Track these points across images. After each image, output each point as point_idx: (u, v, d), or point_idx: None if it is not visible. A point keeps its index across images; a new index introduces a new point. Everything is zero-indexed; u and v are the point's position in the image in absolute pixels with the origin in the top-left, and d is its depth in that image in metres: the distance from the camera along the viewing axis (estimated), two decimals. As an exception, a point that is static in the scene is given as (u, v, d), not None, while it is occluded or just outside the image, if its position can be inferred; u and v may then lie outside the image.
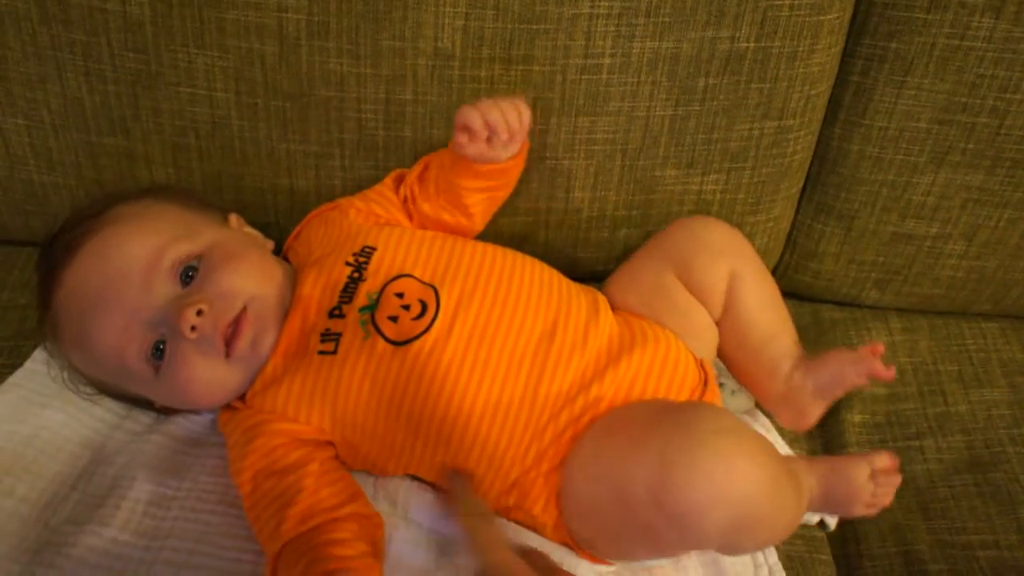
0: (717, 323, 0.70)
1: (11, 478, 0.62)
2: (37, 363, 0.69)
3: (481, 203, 0.71)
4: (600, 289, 0.71)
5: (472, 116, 0.63)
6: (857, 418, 0.78)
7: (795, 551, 0.67)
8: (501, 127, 0.63)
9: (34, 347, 0.70)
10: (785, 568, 0.65)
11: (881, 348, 0.67)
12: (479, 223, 0.73)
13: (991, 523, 0.70)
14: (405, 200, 0.71)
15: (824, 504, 0.66)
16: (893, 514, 0.71)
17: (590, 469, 0.57)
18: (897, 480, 0.65)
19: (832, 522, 0.70)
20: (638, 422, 0.57)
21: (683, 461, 0.50)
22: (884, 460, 0.65)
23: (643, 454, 0.52)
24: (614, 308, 0.69)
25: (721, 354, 0.72)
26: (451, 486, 0.59)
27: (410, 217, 0.72)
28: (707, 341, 0.70)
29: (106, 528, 0.59)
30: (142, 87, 0.70)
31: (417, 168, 0.72)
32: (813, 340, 0.83)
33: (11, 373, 0.68)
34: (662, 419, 0.55)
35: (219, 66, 0.69)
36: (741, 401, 0.74)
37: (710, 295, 0.69)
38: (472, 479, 0.60)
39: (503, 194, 0.73)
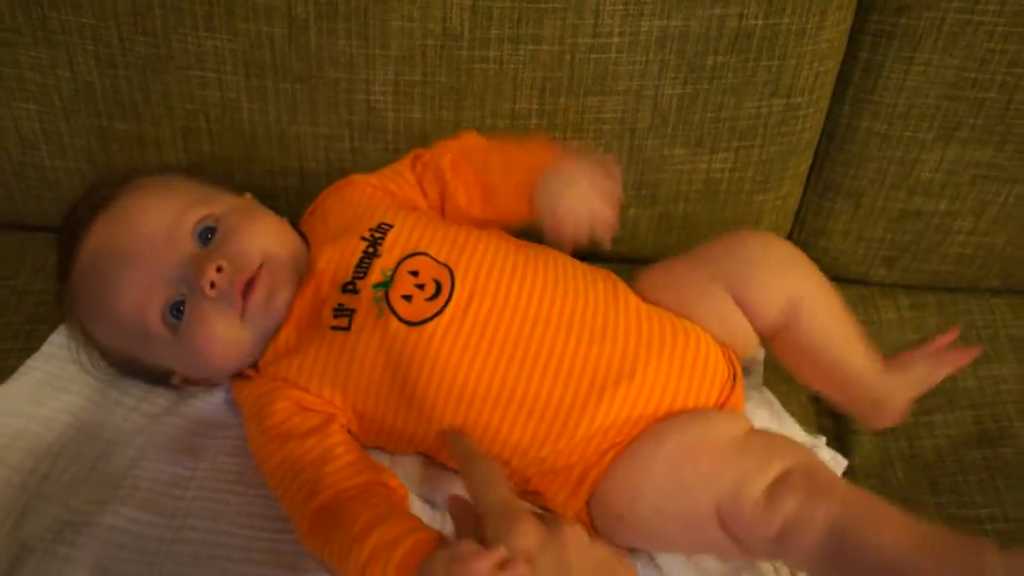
0: (767, 337, 0.69)
1: (32, 459, 0.63)
2: (54, 347, 0.70)
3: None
4: (629, 283, 0.69)
5: (568, 229, 0.63)
6: (866, 395, 0.79)
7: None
8: (584, 239, 0.64)
9: (50, 331, 0.71)
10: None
11: (954, 334, 0.68)
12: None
13: (999, 496, 0.70)
14: (421, 180, 0.71)
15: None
16: (902, 488, 0.72)
17: (659, 490, 0.59)
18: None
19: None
20: (712, 452, 0.59)
21: (747, 495, 0.55)
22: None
23: (718, 487, 0.57)
24: (647, 300, 0.67)
25: (792, 370, 0.70)
26: (450, 438, 0.59)
27: (425, 196, 0.71)
28: (741, 346, 0.69)
29: (125, 507, 0.60)
30: (152, 71, 0.71)
31: (451, 155, 0.70)
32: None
33: (28, 357, 0.69)
34: (731, 451, 0.59)
35: (228, 49, 0.70)
36: (751, 379, 0.74)
37: (760, 313, 0.66)
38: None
39: None
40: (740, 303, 0.66)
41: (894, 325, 0.84)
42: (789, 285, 0.66)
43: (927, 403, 0.77)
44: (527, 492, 0.63)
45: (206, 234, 0.63)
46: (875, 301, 0.86)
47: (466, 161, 0.69)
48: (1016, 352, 0.81)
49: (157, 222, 0.63)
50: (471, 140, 0.71)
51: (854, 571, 0.53)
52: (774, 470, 0.56)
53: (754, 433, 0.62)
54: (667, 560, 0.62)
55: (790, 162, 0.78)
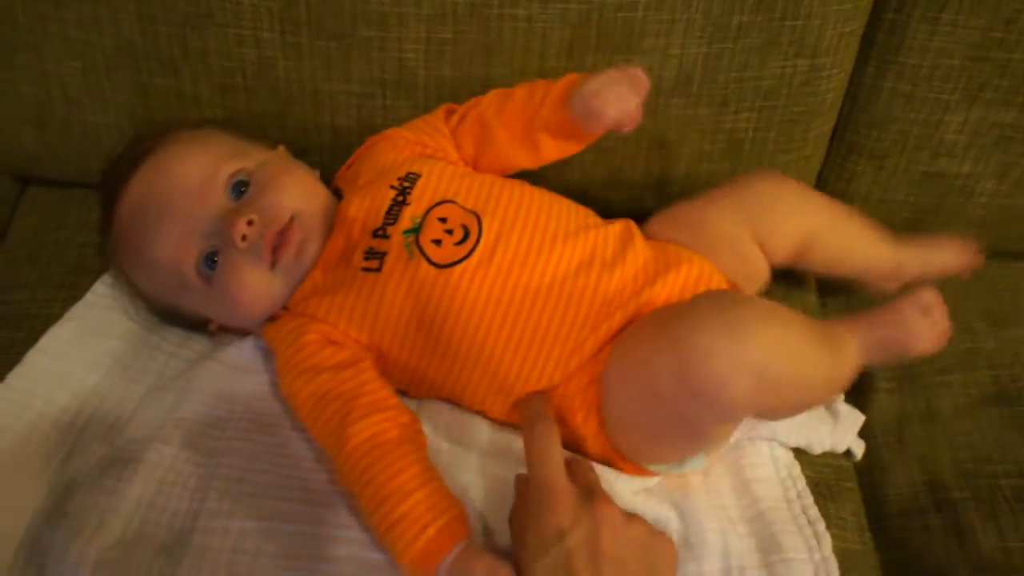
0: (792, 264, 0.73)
1: (78, 400, 0.66)
2: (97, 295, 0.73)
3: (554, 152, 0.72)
4: (641, 223, 0.72)
5: (609, 110, 0.63)
6: (885, 354, 0.80)
7: (822, 478, 0.69)
8: (628, 126, 0.64)
9: (92, 282, 0.73)
10: (813, 494, 0.67)
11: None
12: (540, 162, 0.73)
13: (1015, 453, 0.71)
14: (456, 131, 0.72)
15: (886, 351, 0.66)
16: (918, 445, 0.73)
17: (620, 373, 0.60)
18: (940, 303, 0.66)
19: (859, 452, 0.72)
20: (657, 320, 0.60)
21: (697, 339, 0.53)
22: (928, 295, 0.66)
23: (661, 344, 0.56)
24: (655, 237, 0.70)
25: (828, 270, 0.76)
26: (524, 399, 0.62)
27: (459, 148, 0.73)
28: (753, 279, 0.72)
29: (167, 446, 0.62)
30: (191, 28, 0.73)
31: (490, 99, 0.71)
32: (843, 284, 0.84)
33: (72, 305, 0.71)
34: (675, 312, 0.58)
35: (265, 7, 0.71)
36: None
37: (776, 251, 0.71)
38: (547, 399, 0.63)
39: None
40: (756, 239, 0.70)
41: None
42: (801, 221, 0.71)
43: (945, 362, 0.78)
44: None
45: (239, 187, 0.65)
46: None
47: (506, 98, 0.70)
48: (1035, 315, 0.82)
49: (192, 176, 0.65)
50: (502, 90, 0.72)
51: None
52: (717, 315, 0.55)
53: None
54: (698, 532, 0.63)
55: (813, 123, 0.79)
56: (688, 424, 0.58)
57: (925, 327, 0.65)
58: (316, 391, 0.62)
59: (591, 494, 0.54)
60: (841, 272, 0.75)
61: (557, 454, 0.56)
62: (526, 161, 0.71)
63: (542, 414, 0.59)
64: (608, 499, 0.55)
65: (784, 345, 0.55)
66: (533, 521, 0.53)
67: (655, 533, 0.54)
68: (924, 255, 0.75)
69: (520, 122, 0.69)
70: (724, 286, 0.68)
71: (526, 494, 0.56)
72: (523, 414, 0.61)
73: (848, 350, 0.62)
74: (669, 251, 0.68)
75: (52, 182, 0.85)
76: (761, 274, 0.72)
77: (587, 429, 0.63)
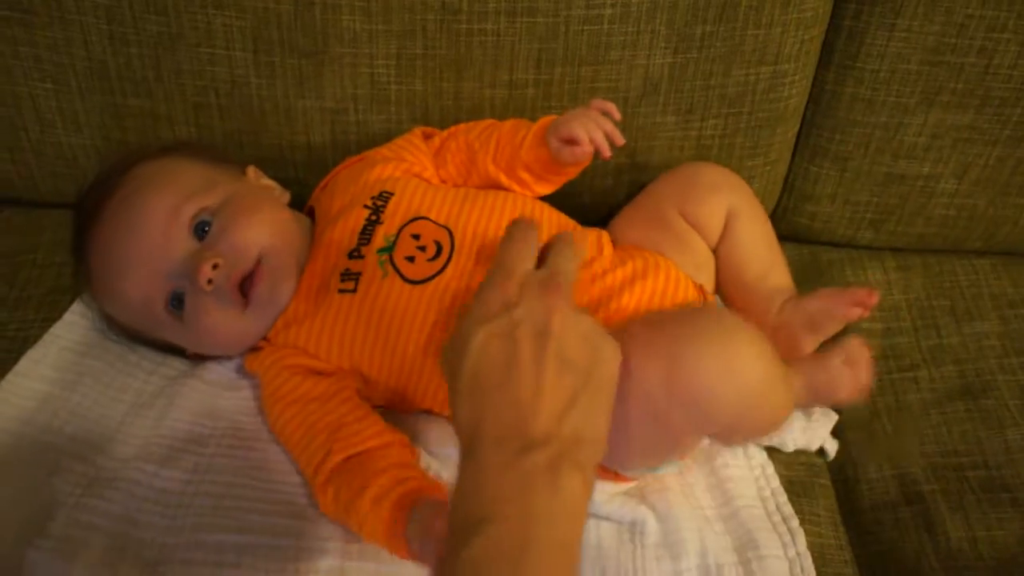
0: (714, 253, 0.74)
1: (59, 420, 0.66)
2: (75, 315, 0.73)
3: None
4: (606, 229, 0.74)
5: (579, 133, 0.65)
6: (854, 352, 0.81)
7: (796, 476, 0.71)
8: (604, 147, 0.66)
9: (71, 301, 0.73)
10: (787, 491, 0.68)
11: (869, 293, 0.68)
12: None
13: (981, 446, 0.73)
14: (440, 151, 0.74)
15: (813, 397, 0.69)
16: (888, 440, 0.74)
17: None
18: (867, 356, 0.68)
19: (832, 450, 0.73)
20: (648, 327, 0.60)
21: (690, 350, 0.55)
22: (856, 347, 0.68)
23: (654, 351, 0.56)
24: (618, 243, 0.72)
25: (718, 288, 0.75)
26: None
27: (439, 168, 0.74)
28: (707, 270, 0.73)
29: (149, 464, 0.63)
30: (163, 48, 0.73)
31: (478, 126, 0.73)
32: (811, 280, 0.86)
33: (50, 326, 0.72)
34: (667, 320, 0.60)
35: (237, 26, 0.72)
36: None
37: (707, 226, 0.73)
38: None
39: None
40: (687, 219, 0.73)
41: (881, 287, 0.86)
42: (725, 198, 0.73)
43: (913, 359, 0.80)
44: None
45: (202, 227, 0.65)
46: (862, 263, 0.88)
47: (493, 132, 0.72)
48: (998, 310, 0.84)
49: (154, 219, 0.64)
50: (491, 121, 0.74)
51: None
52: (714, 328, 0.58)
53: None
54: (675, 531, 0.63)
55: (778, 128, 0.81)
56: (669, 432, 0.60)
57: (847, 378, 0.68)
58: (300, 426, 0.62)
59: (553, 283, 0.52)
60: (745, 277, 0.73)
61: (526, 249, 0.55)
62: (513, 175, 0.72)
63: (525, 221, 0.58)
64: (564, 292, 0.52)
65: (765, 374, 0.57)
66: (480, 294, 0.52)
67: (603, 332, 0.52)
68: (806, 313, 0.70)
69: (504, 159, 0.71)
70: (692, 290, 0.69)
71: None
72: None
73: (793, 391, 0.63)
74: (636, 260, 0.69)
75: (27, 203, 0.85)
76: (709, 259, 0.74)
77: None
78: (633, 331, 0.61)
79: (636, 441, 0.62)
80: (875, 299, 0.67)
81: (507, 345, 0.48)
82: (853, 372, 0.68)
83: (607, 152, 0.66)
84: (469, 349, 0.49)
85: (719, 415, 0.58)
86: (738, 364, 0.56)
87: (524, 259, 0.54)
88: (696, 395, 0.55)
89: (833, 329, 0.70)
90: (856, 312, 0.68)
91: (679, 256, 0.72)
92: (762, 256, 0.73)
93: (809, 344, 0.70)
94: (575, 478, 0.45)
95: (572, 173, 0.71)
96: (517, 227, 0.57)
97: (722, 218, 0.73)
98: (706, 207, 0.73)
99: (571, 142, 0.66)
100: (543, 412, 0.46)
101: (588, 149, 0.66)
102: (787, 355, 0.71)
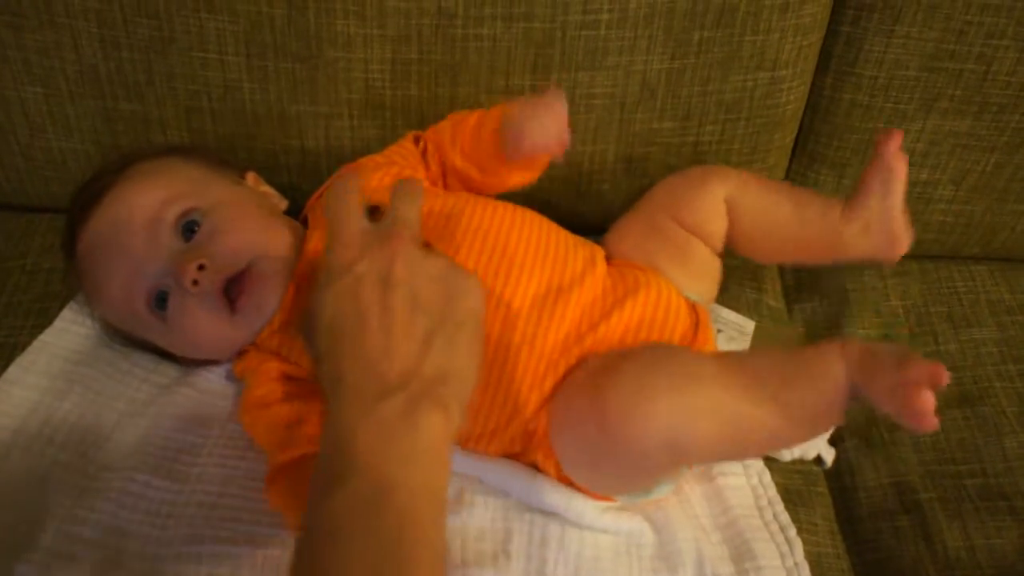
0: (734, 244, 0.73)
1: (49, 428, 0.65)
2: (65, 322, 0.72)
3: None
4: (599, 243, 0.73)
5: (532, 141, 0.65)
6: (852, 359, 0.81)
7: (793, 485, 0.70)
8: (555, 146, 0.65)
9: (61, 307, 0.73)
10: (784, 500, 0.68)
11: (890, 131, 0.66)
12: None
13: (978, 453, 0.73)
14: (425, 152, 0.73)
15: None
16: (886, 448, 0.74)
17: (558, 419, 0.60)
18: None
19: (829, 458, 0.73)
20: (587, 371, 0.60)
21: (611, 399, 0.54)
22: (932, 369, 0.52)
23: (586, 398, 0.56)
24: (612, 258, 0.71)
25: (785, 258, 0.75)
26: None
27: (428, 169, 0.73)
28: (709, 277, 0.73)
29: (140, 474, 0.62)
30: (155, 52, 0.72)
31: (449, 126, 0.72)
32: (811, 285, 0.86)
33: (40, 333, 0.71)
34: (601, 365, 0.58)
35: (230, 30, 0.71)
36: (737, 347, 0.77)
37: (709, 225, 0.71)
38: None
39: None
40: (689, 228, 0.71)
41: (878, 293, 0.86)
42: (715, 189, 0.71)
43: (910, 366, 0.80)
44: (518, 455, 0.64)
45: (190, 227, 0.64)
46: (860, 270, 0.87)
47: (458, 125, 0.72)
48: (995, 316, 0.84)
49: (139, 212, 0.63)
50: (460, 113, 0.73)
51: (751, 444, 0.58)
52: (629, 373, 0.55)
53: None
54: (671, 541, 0.63)
55: (775, 134, 0.81)
56: (632, 467, 0.59)
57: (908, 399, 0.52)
58: (266, 425, 0.62)
59: (391, 232, 0.51)
60: (781, 246, 0.72)
61: (352, 206, 0.53)
62: (488, 186, 0.72)
63: (341, 179, 0.57)
64: (409, 236, 0.51)
65: (692, 412, 0.54)
66: (324, 260, 0.52)
67: (458, 269, 0.51)
68: (872, 193, 0.67)
69: (471, 151, 0.70)
70: (682, 309, 0.68)
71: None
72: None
73: (817, 387, 0.55)
74: (627, 277, 0.68)
75: (17, 207, 0.84)
76: (710, 265, 0.73)
77: (548, 465, 0.62)
78: (579, 371, 0.61)
79: (611, 476, 0.62)
80: (900, 135, 0.65)
81: (353, 300, 0.48)
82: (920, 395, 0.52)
83: (560, 158, 0.66)
84: (319, 313, 0.49)
85: (660, 464, 0.57)
86: (659, 418, 0.53)
87: (353, 217, 0.53)
88: (628, 446, 0.54)
89: (901, 187, 0.66)
90: (899, 154, 0.65)
91: (677, 268, 0.71)
92: (785, 204, 0.70)
93: (900, 216, 0.67)
94: (434, 415, 0.45)
95: (532, 166, 0.70)
96: (334, 189, 0.55)
97: (722, 211, 0.71)
98: (702, 208, 0.71)
99: (519, 144, 0.65)
100: (398, 357, 0.47)
101: (537, 152, 0.65)
102: (893, 246, 0.68)
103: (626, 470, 0.60)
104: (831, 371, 0.54)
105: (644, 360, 0.57)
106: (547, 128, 0.65)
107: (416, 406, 0.45)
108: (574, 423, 0.58)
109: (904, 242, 0.68)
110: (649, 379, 0.55)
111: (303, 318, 0.53)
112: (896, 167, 0.66)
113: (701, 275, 0.72)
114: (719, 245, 0.73)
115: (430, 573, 0.42)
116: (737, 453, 0.63)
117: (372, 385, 0.46)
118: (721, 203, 0.71)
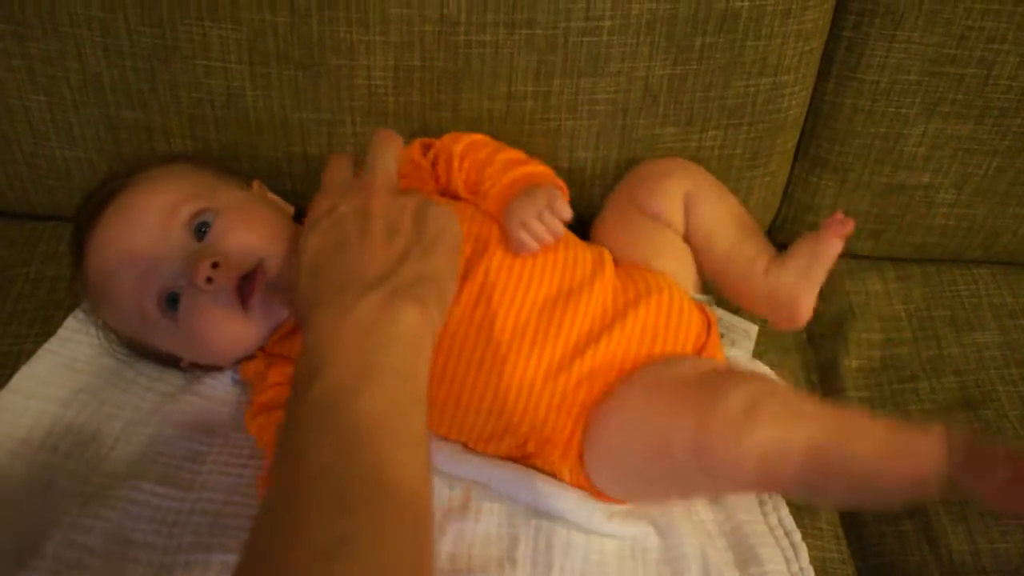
0: (686, 242, 0.73)
1: (54, 437, 0.66)
2: (70, 331, 0.72)
3: None
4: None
5: (522, 239, 0.65)
6: (854, 363, 0.81)
7: (798, 491, 0.71)
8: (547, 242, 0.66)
9: (65, 316, 0.73)
10: (788, 505, 0.68)
11: (840, 215, 0.66)
12: None
13: (982, 457, 0.73)
14: (434, 163, 0.73)
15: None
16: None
17: (625, 429, 0.60)
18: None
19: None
20: (675, 387, 0.59)
21: (716, 422, 0.54)
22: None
23: (682, 417, 0.56)
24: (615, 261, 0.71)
25: (706, 277, 0.74)
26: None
27: (436, 179, 0.73)
28: (688, 263, 0.73)
29: (145, 482, 0.62)
30: (159, 61, 0.73)
31: (462, 146, 0.72)
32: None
33: (44, 341, 0.71)
34: (694, 385, 0.58)
35: (233, 38, 0.71)
36: (740, 353, 0.77)
37: (667, 213, 0.72)
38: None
39: None
40: (650, 215, 0.73)
41: (881, 296, 0.86)
42: (678, 184, 0.73)
43: (913, 370, 0.80)
44: (527, 455, 0.65)
45: (202, 227, 0.64)
46: (862, 274, 0.88)
47: (474, 153, 0.71)
48: (998, 320, 0.84)
49: (152, 215, 0.63)
50: (481, 138, 0.73)
51: (832, 487, 0.53)
52: (738, 398, 0.55)
53: (719, 366, 0.65)
54: (677, 547, 0.63)
55: (778, 139, 0.81)
56: (688, 486, 0.60)
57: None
58: (269, 428, 0.62)
59: (367, 179, 0.56)
60: (717, 252, 0.72)
61: (341, 170, 0.59)
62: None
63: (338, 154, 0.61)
64: (385, 181, 0.56)
65: (790, 442, 0.53)
66: (307, 216, 0.56)
67: (431, 201, 0.55)
68: (798, 267, 0.68)
69: (475, 190, 0.71)
70: (694, 312, 0.68)
71: None
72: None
73: (908, 467, 0.52)
74: (637, 280, 0.68)
75: (20, 215, 0.84)
76: (682, 251, 0.73)
77: (564, 464, 0.63)
78: (655, 385, 0.61)
79: (652, 490, 0.63)
80: (850, 225, 0.66)
81: (334, 235, 0.52)
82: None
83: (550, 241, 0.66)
84: (303, 254, 0.52)
85: (747, 487, 0.58)
86: (758, 443, 0.52)
87: (340, 176, 0.58)
88: (724, 470, 0.54)
89: (824, 272, 0.67)
90: (839, 243, 0.66)
91: (658, 252, 0.72)
92: (729, 229, 0.72)
93: (808, 298, 0.68)
94: (411, 308, 0.47)
95: None
96: (331, 158, 0.60)
97: (680, 203, 0.72)
98: (660, 194, 0.72)
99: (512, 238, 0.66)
100: (375, 262, 0.50)
101: (533, 248, 0.65)
102: (790, 318, 0.69)
103: (681, 487, 0.61)
104: (929, 458, 0.52)
105: (752, 389, 0.56)
106: (543, 240, 0.65)
107: (393, 299, 0.47)
108: (655, 439, 0.58)
109: (801, 321, 0.69)
110: (761, 409, 0.54)
111: (291, 272, 0.56)
112: (828, 252, 0.66)
113: (682, 259, 0.73)
114: (682, 234, 0.74)
115: (408, 453, 0.43)
116: (816, 495, 0.61)
117: (352, 288, 0.48)
118: (681, 196, 0.73)
